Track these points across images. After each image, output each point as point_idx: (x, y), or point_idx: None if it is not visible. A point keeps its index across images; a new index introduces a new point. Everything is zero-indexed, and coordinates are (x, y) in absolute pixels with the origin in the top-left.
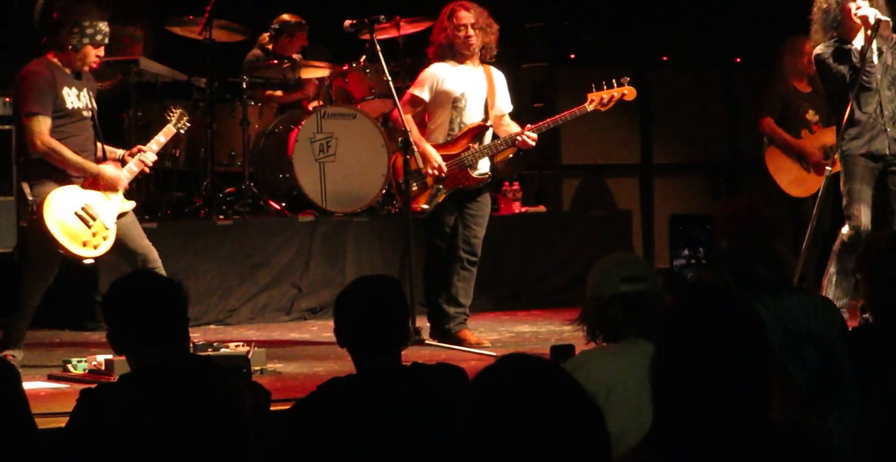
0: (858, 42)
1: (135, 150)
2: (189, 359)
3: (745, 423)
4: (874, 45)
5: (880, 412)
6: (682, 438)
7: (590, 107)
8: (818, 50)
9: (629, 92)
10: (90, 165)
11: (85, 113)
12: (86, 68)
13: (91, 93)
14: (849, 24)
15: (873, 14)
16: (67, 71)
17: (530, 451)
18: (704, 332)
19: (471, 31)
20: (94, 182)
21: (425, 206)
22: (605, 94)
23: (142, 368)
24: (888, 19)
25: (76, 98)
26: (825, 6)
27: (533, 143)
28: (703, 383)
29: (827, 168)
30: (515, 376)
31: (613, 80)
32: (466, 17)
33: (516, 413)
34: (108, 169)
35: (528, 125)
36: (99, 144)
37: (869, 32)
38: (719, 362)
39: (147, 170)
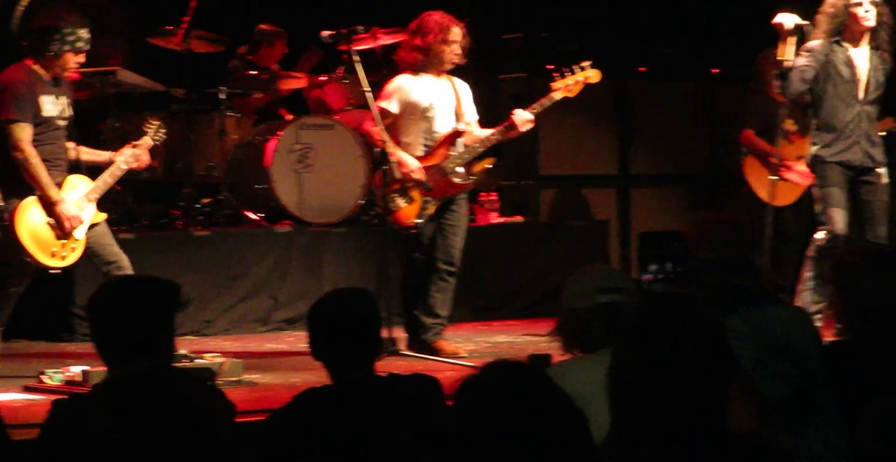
0: (854, 51)
1: (118, 153)
2: (164, 370)
3: (702, 433)
4: (866, 56)
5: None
6: (638, 447)
7: (557, 95)
8: (809, 45)
9: (594, 74)
10: (53, 192)
11: (59, 122)
12: (66, 75)
13: (68, 101)
14: (855, 29)
15: (791, 20)
16: (46, 78)
17: (517, 456)
18: (660, 341)
19: (457, 50)
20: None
21: (417, 221)
22: (570, 80)
23: (115, 378)
24: (808, 23)
25: (52, 106)
26: (832, 11)
27: (531, 124)
28: (659, 392)
29: (770, 177)
30: (502, 382)
31: (573, 66)
32: (459, 35)
33: (503, 419)
34: (68, 207)
35: (504, 123)
36: (72, 150)
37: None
38: (675, 371)
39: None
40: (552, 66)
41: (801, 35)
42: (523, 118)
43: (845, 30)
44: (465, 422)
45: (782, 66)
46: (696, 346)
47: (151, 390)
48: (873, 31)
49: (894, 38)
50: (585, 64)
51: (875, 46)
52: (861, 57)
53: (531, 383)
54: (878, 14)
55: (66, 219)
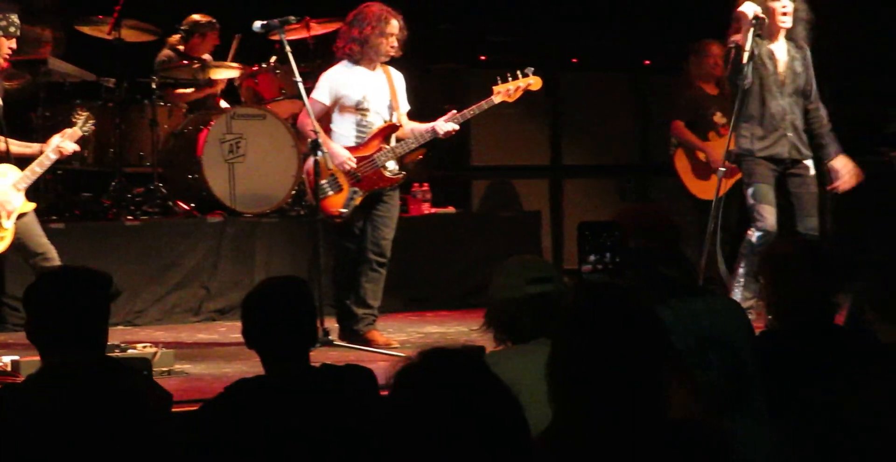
0: (774, 45)
1: (44, 144)
2: (98, 360)
3: (641, 420)
4: (785, 50)
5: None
6: (577, 435)
7: (497, 99)
8: (734, 39)
9: (535, 81)
10: None
11: None
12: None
13: None
14: (770, 27)
15: (752, 10)
16: None
17: (452, 444)
18: (597, 330)
19: (395, 42)
20: None
21: (343, 210)
22: (511, 85)
23: (49, 368)
24: (765, 18)
25: None
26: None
27: (453, 131)
28: (598, 381)
29: (721, 170)
30: (438, 369)
31: (518, 72)
32: (396, 28)
33: (440, 406)
34: None
35: (440, 119)
36: (1, 143)
37: (748, 30)
38: (612, 360)
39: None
40: (483, 57)
41: (759, 26)
42: (445, 130)
43: (767, 25)
44: (401, 409)
45: (741, 55)
46: (634, 335)
47: (85, 380)
48: (791, 27)
49: (811, 33)
50: (529, 70)
51: (790, 38)
52: (780, 50)
53: (468, 370)
54: (795, 10)
55: None
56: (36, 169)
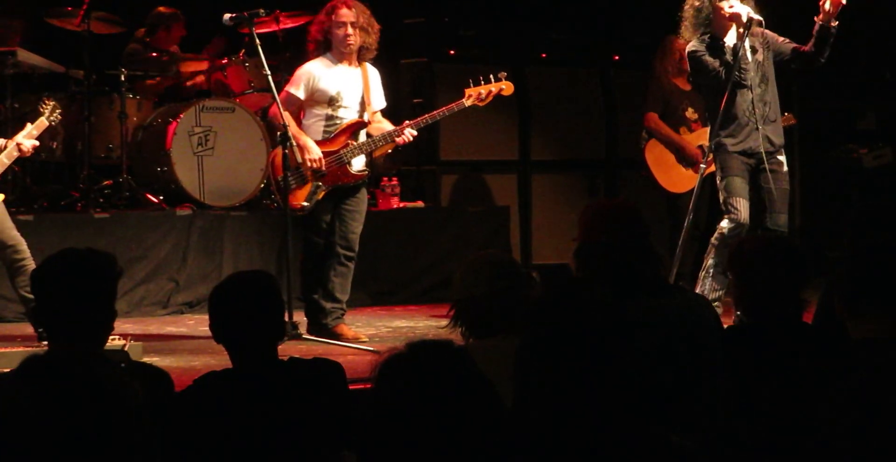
0: (730, 39)
1: (9, 140)
2: (81, 352)
3: (603, 417)
4: (747, 43)
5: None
6: (539, 430)
7: (468, 102)
8: (691, 46)
9: (507, 87)
10: None
11: None
12: None
13: None
14: (720, 22)
15: (745, 12)
16: None
17: (437, 432)
18: (564, 325)
19: (350, 30)
20: None
21: (305, 203)
22: (483, 89)
23: (33, 360)
24: (761, 18)
25: None
26: (697, 4)
27: (411, 139)
28: (565, 377)
29: (701, 166)
30: (425, 360)
31: (491, 76)
32: (347, 15)
33: (426, 397)
34: None
35: (406, 121)
36: None
37: (741, 30)
38: (578, 355)
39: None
40: (453, 51)
41: (749, 27)
42: (408, 138)
43: (713, 23)
44: (386, 400)
45: (736, 55)
46: (597, 333)
47: (68, 373)
48: (745, 27)
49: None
50: (502, 75)
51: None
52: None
53: (454, 362)
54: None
55: None
56: (3, 160)
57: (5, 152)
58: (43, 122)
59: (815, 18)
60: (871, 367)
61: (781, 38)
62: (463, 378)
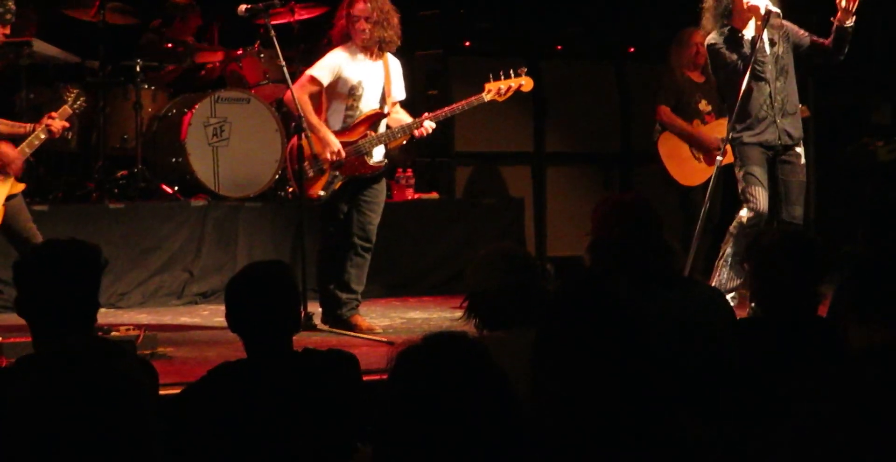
0: (749, 32)
1: (37, 124)
2: (90, 342)
3: (622, 414)
4: (765, 35)
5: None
6: (555, 423)
7: (487, 97)
8: (710, 39)
9: (527, 82)
10: None
11: None
12: None
13: None
14: (740, 14)
15: (764, 4)
16: None
17: (452, 424)
18: (580, 318)
19: (365, 25)
20: None
21: (322, 193)
22: (503, 85)
23: (41, 351)
24: (778, 10)
25: None
26: None
27: (430, 131)
28: (579, 368)
29: (718, 158)
30: (442, 353)
31: (511, 71)
32: (362, 10)
33: (441, 389)
34: (6, 149)
35: (426, 114)
36: None
37: (760, 22)
38: (595, 349)
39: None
40: (468, 43)
41: (767, 19)
42: (427, 131)
43: (732, 15)
44: (402, 391)
45: (754, 47)
46: (614, 326)
47: (80, 363)
48: (764, 19)
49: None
50: (521, 70)
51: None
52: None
53: (470, 355)
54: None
55: (9, 159)
56: (25, 149)
57: (26, 141)
58: (66, 110)
59: (833, 19)
60: (874, 376)
61: (802, 32)
62: (479, 370)
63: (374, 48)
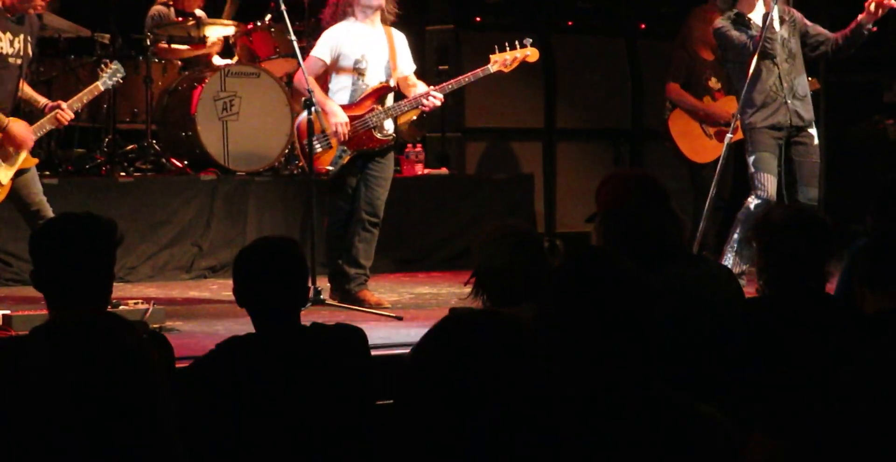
0: (757, 15)
1: (54, 103)
2: (102, 315)
3: (626, 391)
4: (775, 13)
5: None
6: (562, 401)
7: (493, 68)
8: (717, 23)
9: (532, 53)
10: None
11: (12, 60)
12: (31, 11)
13: (30, 39)
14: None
15: None
16: (8, 15)
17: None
18: (583, 295)
19: None
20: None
21: (330, 168)
22: (508, 56)
23: (55, 323)
24: None
25: (8, 44)
26: None
27: (439, 104)
28: (583, 347)
29: (728, 135)
30: (472, 327)
31: (516, 42)
32: None
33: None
34: (16, 126)
35: (432, 86)
36: (21, 92)
37: (769, 1)
38: (596, 325)
39: (61, 126)
40: (479, 19)
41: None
42: (434, 103)
43: (739, 1)
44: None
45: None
46: (616, 301)
47: (90, 336)
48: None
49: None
50: (527, 41)
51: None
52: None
53: (507, 334)
54: None
55: (18, 138)
56: (45, 125)
57: (48, 117)
58: (97, 88)
59: (860, 16)
60: (888, 337)
61: (810, 23)
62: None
63: (375, 16)
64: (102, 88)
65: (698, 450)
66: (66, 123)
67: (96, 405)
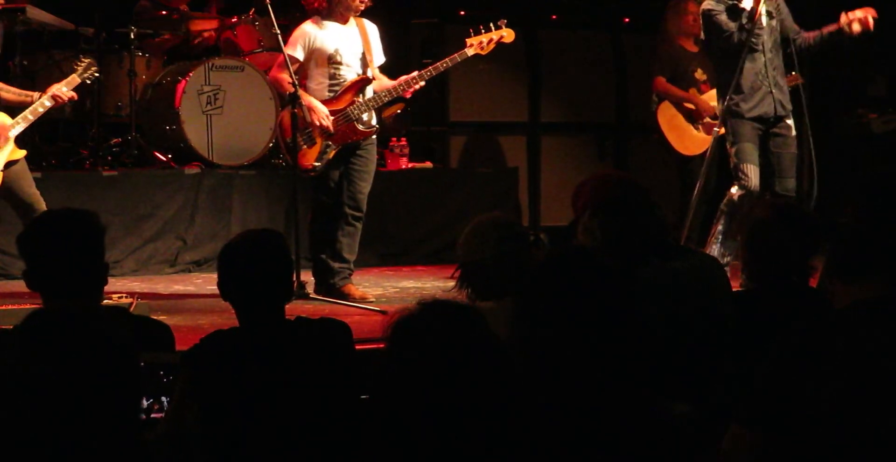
0: (748, 2)
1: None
2: (86, 308)
3: (607, 388)
4: (763, 7)
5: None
6: (540, 392)
7: (470, 51)
8: (706, 5)
9: (507, 34)
10: None
11: None
12: None
13: None
14: None
15: None
16: None
17: (447, 392)
18: (563, 295)
19: None
20: None
21: (316, 164)
22: (484, 38)
23: (36, 316)
24: None
25: None
26: None
27: (418, 87)
28: (564, 346)
29: (714, 129)
30: (437, 321)
31: (491, 24)
32: None
33: (437, 356)
34: None
35: (413, 73)
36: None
37: None
38: (579, 326)
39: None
40: (463, 12)
41: None
42: (413, 87)
43: None
44: (397, 358)
45: (751, 16)
46: (599, 301)
47: (72, 329)
48: None
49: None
50: (501, 22)
51: None
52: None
53: (466, 322)
54: None
55: None
56: (28, 116)
57: (30, 108)
58: (74, 79)
59: (843, 28)
60: (861, 329)
61: (790, 18)
62: (473, 337)
63: (348, 15)
64: (79, 81)
65: (668, 448)
66: (66, 99)
67: (85, 396)
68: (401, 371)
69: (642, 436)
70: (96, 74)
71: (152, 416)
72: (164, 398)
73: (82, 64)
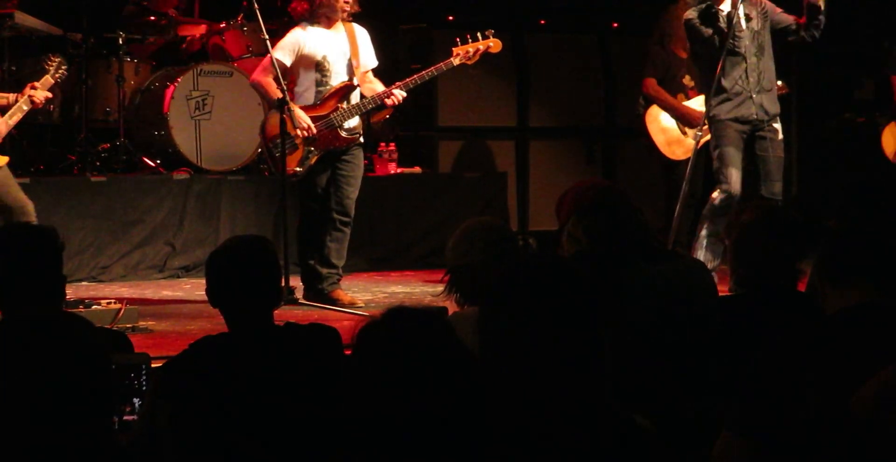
0: (727, 7)
1: (22, 92)
2: (56, 315)
3: (573, 399)
4: (741, 11)
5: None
6: (504, 400)
7: (456, 61)
8: (687, 14)
9: (494, 44)
10: None
11: None
12: None
13: None
14: None
15: None
16: None
17: (414, 399)
18: (526, 298)
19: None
20: None
21: (298, 169)
22: (471, 48)
23: (7, 322)
24: None
25: None
26: None
27: (400, 100)
28: (527, 356)
29: (697, 134)
30: (403, 328)
31: (478, 34)
32: None
33: (403, 364)
34: None
35: (396, 83)
36: None
37: None
38: (545, 335)
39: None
40: (452, 17)
41: None
42: (397, 99)
43: None
44: (364, 366)
45: (731, 22)
46: (568, 310)
47: (41, 336)
48: None
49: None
50: (489, 32)
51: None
52: (737, 12)
53: (431, 330)
54: None
55: None
56: (8, 121)
57: (9, 113)
58: (48, 80)
59: None
60: (848, 335)
61: (779, 9)
62: (438, 345)
63: (334, 17)
64: (52, 81)
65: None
66: (44, 101)
67: (50, 402)
68: (366, 378)
69: (603, 445)
70: (65, 73)
71: (125, 417)
72: (135, 400)
73: (53, 63)
